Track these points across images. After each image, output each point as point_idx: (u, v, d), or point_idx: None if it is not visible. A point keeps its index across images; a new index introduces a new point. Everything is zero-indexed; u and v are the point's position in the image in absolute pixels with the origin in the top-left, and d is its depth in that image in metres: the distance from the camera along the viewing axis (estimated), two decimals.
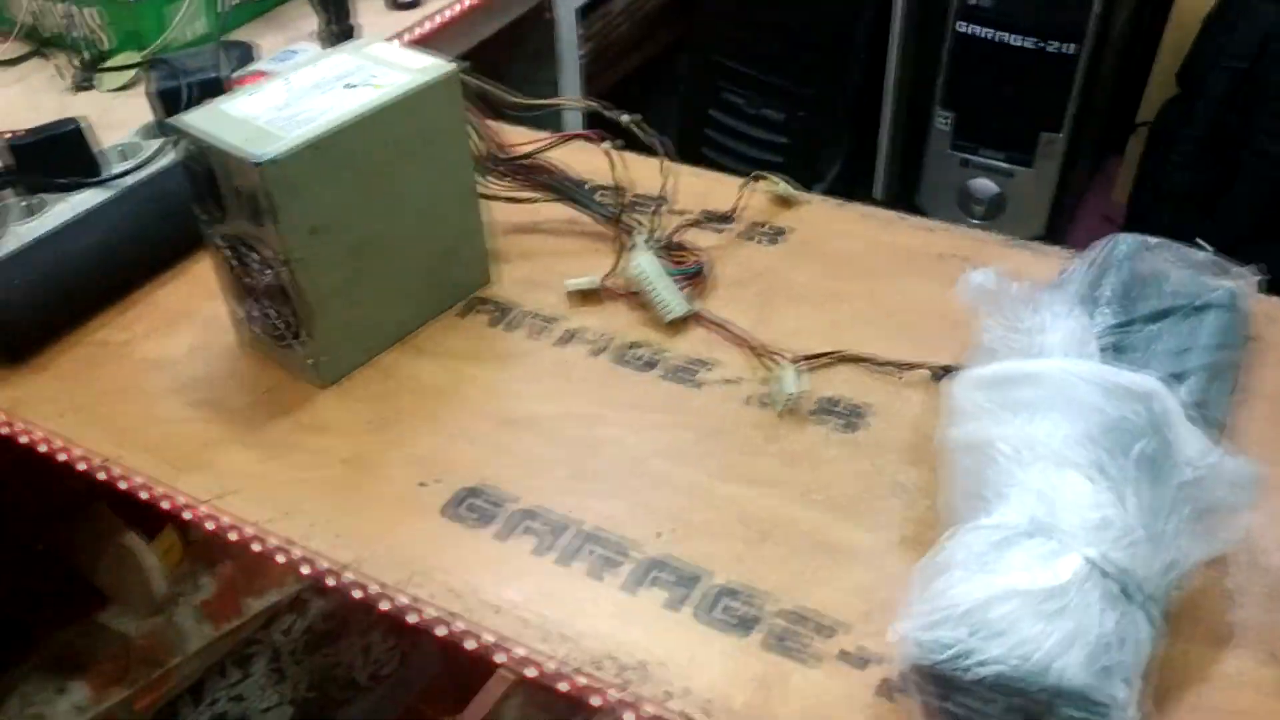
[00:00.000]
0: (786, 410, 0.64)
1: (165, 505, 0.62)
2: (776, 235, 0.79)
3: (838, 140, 1.64)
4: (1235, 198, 1.53)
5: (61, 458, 0.65)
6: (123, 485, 0.63)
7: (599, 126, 0.78)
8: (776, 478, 0.60)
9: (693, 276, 0.74)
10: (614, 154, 0.74)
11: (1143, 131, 1.68)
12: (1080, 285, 0.65)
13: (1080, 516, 0.50)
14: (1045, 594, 0.47)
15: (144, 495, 0.62)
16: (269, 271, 0.63)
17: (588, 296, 0.74)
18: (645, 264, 0.71)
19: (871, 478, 0.60)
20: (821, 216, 0.81)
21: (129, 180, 0.80)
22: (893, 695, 0.49)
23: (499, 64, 1.40)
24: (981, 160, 1.53)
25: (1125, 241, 0.68)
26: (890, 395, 0.65)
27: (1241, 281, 0.68)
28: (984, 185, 1.54)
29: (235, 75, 0.90)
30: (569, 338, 0.71)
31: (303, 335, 0.65)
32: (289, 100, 0.64)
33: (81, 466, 0.64)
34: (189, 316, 0.74)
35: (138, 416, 0.67)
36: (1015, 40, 1.39)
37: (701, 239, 0.79)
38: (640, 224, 0.75)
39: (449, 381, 0.68)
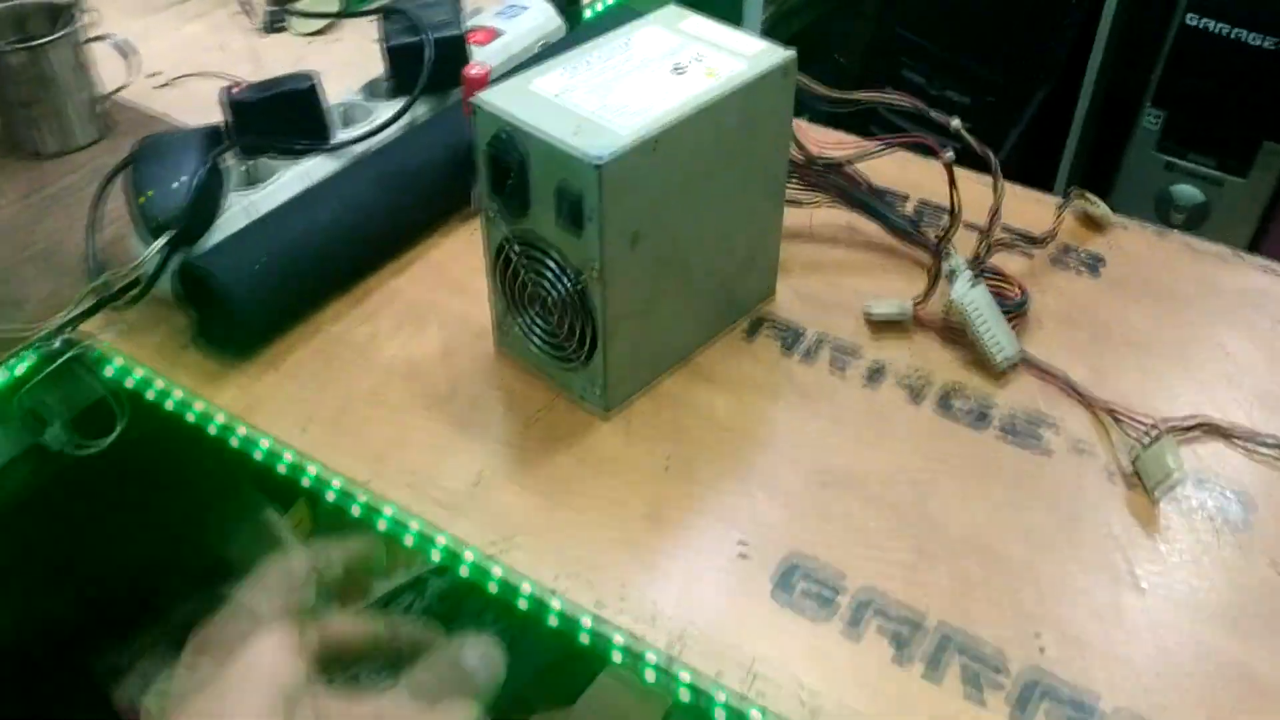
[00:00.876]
0: (1167, 492, 0.54)
1: (436, 549, 0.53)
2: (1095, 263, 0.69)
3: (1022, 132, 1.51)
4: None
5: (306, 482, 0.57)
6: (382, 523, 0.55)
7: (912, 127, 0.67)
8: (1169, 586, 0.51)
9: (1018, 311, 0.64)
10: (954, 169, 0.64)
11: None
12: None
13: None
14: None
15: (409, 536, 0.54)
16: (567, 281, 0.54)
17: (890, 325, 0.65)
18: (978, 297, 0.61)
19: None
20: (1139, 244, 0.71)
21: (359, 148, 0.71)
22: None
23: None
24: (1189, 165, 1.41)
25: None
26: (1273, 484, 0.55)
27: None
28: (1188, 192, 1.42)
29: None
30: (877, 375, 0.61)
31: (595, 355, 0.56)
32: (608, 82, 0.54)
33: (335, 489, 0.56)
34: (436, 313, 0.65)
35: (391, 436, 0.58)
36: (1254, 39, 1.26)
37: (1009, 263, 0.68)
38: (952, 249, 0.65)
39: (746, 420, 0.59)
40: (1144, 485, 0.55)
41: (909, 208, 0.73)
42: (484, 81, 0.67)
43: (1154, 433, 0.56)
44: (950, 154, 0.63)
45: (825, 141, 0.67)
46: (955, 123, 0.64)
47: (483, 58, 0.78)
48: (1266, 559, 0.52)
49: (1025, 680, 0.47)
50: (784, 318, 0.65)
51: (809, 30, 1.72)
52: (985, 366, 0.61)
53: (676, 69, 0.56)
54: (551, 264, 0.55)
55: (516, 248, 0.56)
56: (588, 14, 0.99)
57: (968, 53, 1.46)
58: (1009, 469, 0.56)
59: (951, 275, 0.63)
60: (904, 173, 0.75)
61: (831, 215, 0.71)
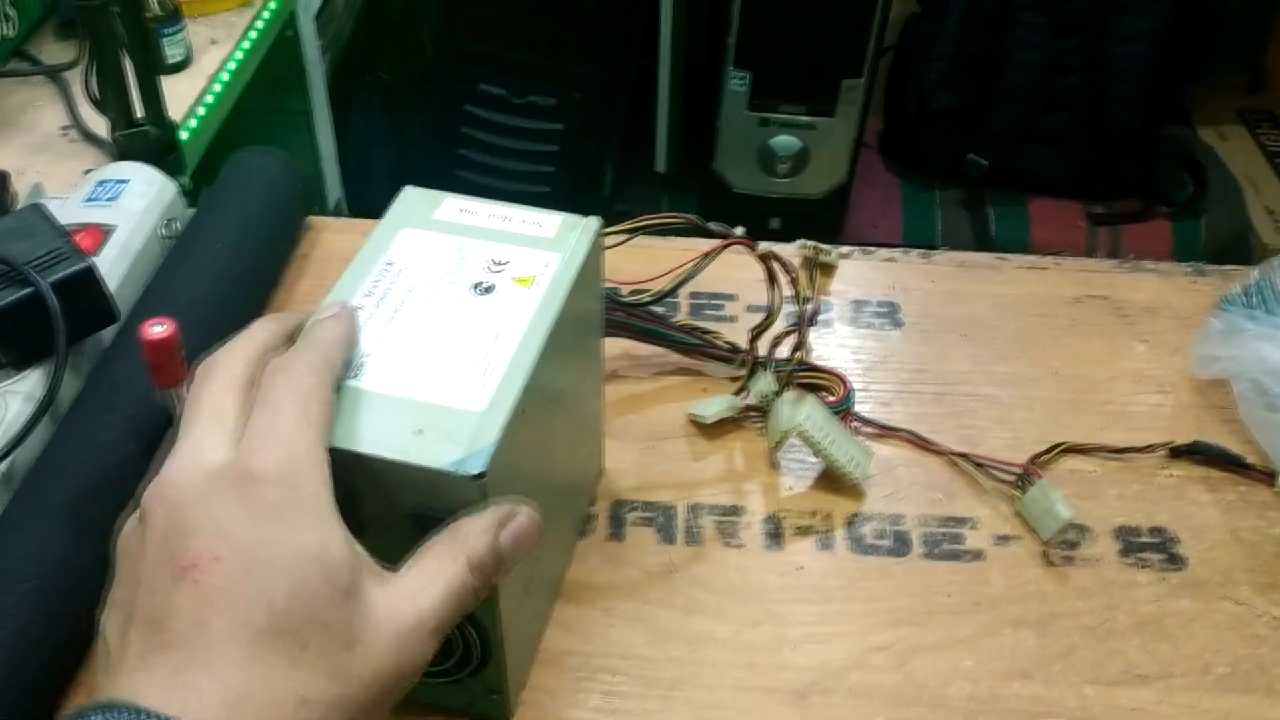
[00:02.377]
0: (1059, 541, 0.52)
1: None
2: (892, 313, 0.66)
3: (618, 118, 1.48)
4: (997, 108, 1.58)
5: None
6: None
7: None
8: (1163, 663, 0.49)
9: (847, 411, 0.58)
10: (776, 259, 0.56)
11: (887, 56, 1.68)
12: None
13: None
14: None
15: None
16: None
17: (719, 429, 0.58)
18: (813, 413, 0.55)
19: (1249, 625, 0.50)
20: (916, 276, 0.68)
21: (1, 467, 0.50)
22: None
23: (247, 108, 1.10)
24: (782, 116, 1.45)
25: None
26: (1167, 505, 0.55)
27: None
28: (786, 141, 1.47)
29: None
30: (775, 532, 0.54)
31: (488, 665, 0.44)
32: (405, 338, 0.41)
33: None
34: None
35: None
36: None
37: (814, 338, 0.63)
38: (748, 354, 0.58)
39: (680, 651, 0.49)
40: (1038, 534, 0.53)
41: (682, 306, 0.66)
42: (174, 345, 0.49)
43: (1028, 478, 0.54)
44: (763, 245, 0.55)
45: (631, 282, 0.57)
46: (738, 230, 0.57)
47: (104, 270, 0.59)
48: (1217, 591, 0.52)
49: None
50: (642, 498, 0.55)
51: (350, 52, 1.57)
52: (842, 482, 0.56)
53: (479, 287, 0.43)
54: None
55: None
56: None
57: (544, 52, 1.39)
58: (958, 594, 0.51)
59: (764, 400, 0.57)
60: (654, 263, 0.67)
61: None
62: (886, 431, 0.58)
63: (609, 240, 0.52)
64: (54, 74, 0.77)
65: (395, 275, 0.44)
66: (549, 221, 0.47)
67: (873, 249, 0.70)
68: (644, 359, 0.62)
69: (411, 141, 1.54)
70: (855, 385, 0.60)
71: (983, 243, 1.63)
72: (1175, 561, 0.53)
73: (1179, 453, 0.57)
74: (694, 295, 0.66)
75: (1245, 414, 0.57)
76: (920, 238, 1.62)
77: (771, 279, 0.55)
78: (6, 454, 0.50)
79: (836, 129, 1.46)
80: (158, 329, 0.50)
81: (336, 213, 1.36)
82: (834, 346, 0.64)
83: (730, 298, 0.66)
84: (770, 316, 0.57)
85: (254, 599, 0.30)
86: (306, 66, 1.19)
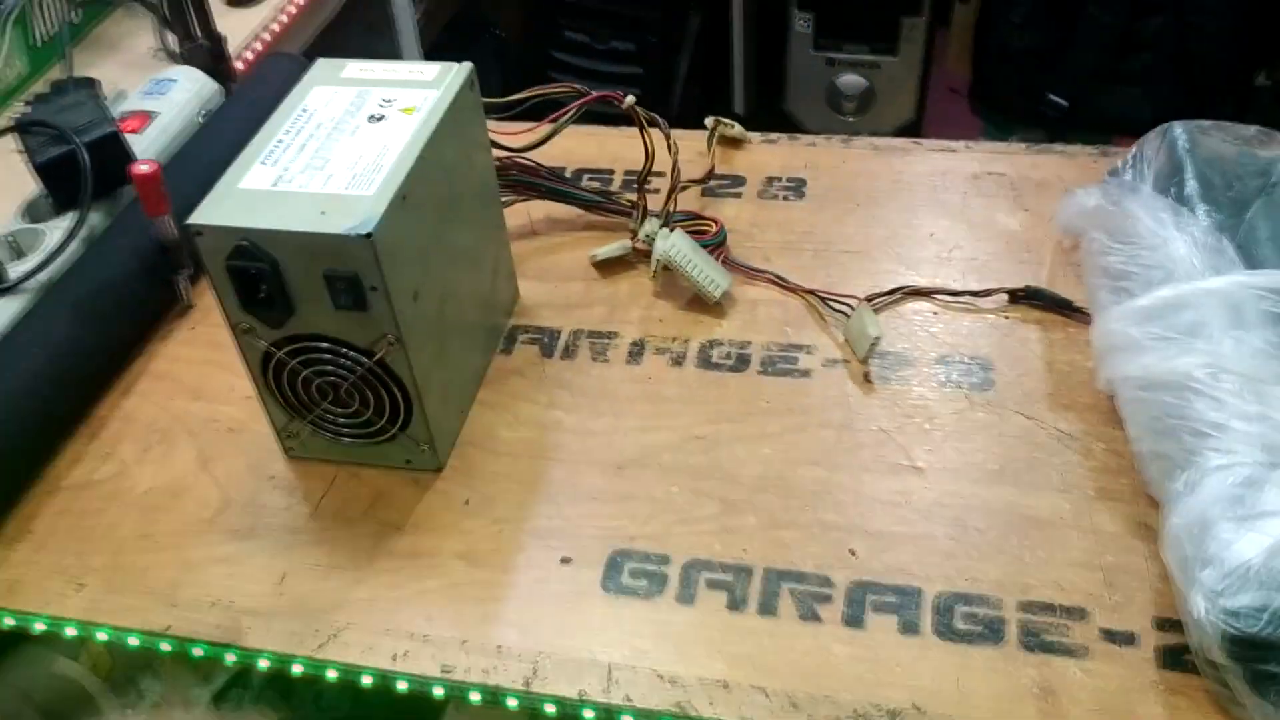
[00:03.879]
0: (869, 356, 0.59)
1: (260, 666, 0.51)
2: (799, 187, 0.73)
3: (692, 60, 1.57)
4: (1077, 49, 1.57)
5: (102, 637, 0.53)
6: (197, 651, 0.52)
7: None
8: (942, 459, 0.55)
9: (719, 245, 0.67)
10: (640, 113, 0.66)
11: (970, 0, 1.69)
12: (1155, 183, 0.63)
13: None
14: None
15: (230, 657, 0.51)
16: (362, 362, 0.52)
17: (616, 271, 0.67)
18: (677, 241, 0.64)
19: (1034, 435, 0.56)
20: (831, 158, 0.75)
21: (41, 278, 0.66)
22: (1188, 667, 0.46)
23: (337, 46, 1.26)
24: (846, 56, 1.50)
25: (1180, 129, 0.65)
26: (996, 339, 0.61)
27: None
28: (852, 81, 1.52)
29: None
30: (638, 352, 0.63)
31: (413, 419, 0.55)
32: (315, 155, 0.53)
33: (134, 645, 0.53)
34: (180, 425, 0.62)
35: (176, 570, 0.55)
36: None
37: (724, 208, 0.72)
38: (638, 205, 0.68)
39: (534, 434, 0.59)
40: (855, 355, 0.60)
41: (616, 181, 0.75)
42: (156, 180, 0.63)
43: (856, 306, 0.61)
44: (630, 98, 0.65)
45: (511, 133, 0.67)
46: (628, 100, 0.66)
47: (143, 145, 0.74)
48: (1012, 407, 0.58)
49: (849, 589, 0.50)
50: (535, 322, 0.66)
51: (463, 13, 1.71)
52: (706, 305, 0.64)
53: (373, 118, 0.55)
54: (338, 352, 0.53)
55: (287, 352, 0.53)
56: (239, 65, 0.95)
57: (618, 1, 1.50)
58: (778, 400, 0.59)
59: (649, 238, 0.66)
60: (602, 149, 0.77)
61: (528, 212, 0.72)
62: (755, 273, 0.66)
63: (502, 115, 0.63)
64: (149, 4, 0.94)
65: (307, 119, 0.56)
66: (429, 70, 0.58)
67: (799, 135, 0.78)
68: (562, 220, 0.72)
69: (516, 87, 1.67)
70: (748, 245, 0.69)
71: None
72: (985, 385, 0.59)
73: (1016, 298, 0.63)
74: (585, 170, 0.76)
75: (1085, 263, 0.62)
76: None
77: (641, 128, 0.65)
78: (41, 268, 0.65)
79: (901, 68, 1.50)
80: (143, 168, 0.64)
81: None
82: (739, 211, 0.72)
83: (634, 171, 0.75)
84: (647, 162, 0.66)
85: None
86: (394, 11, 1.34)
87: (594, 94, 0.66)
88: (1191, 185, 0.62)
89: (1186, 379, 0.50)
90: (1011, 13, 1.60)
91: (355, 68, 0.59)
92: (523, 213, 0.72)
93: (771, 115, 1.60)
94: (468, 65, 0.58)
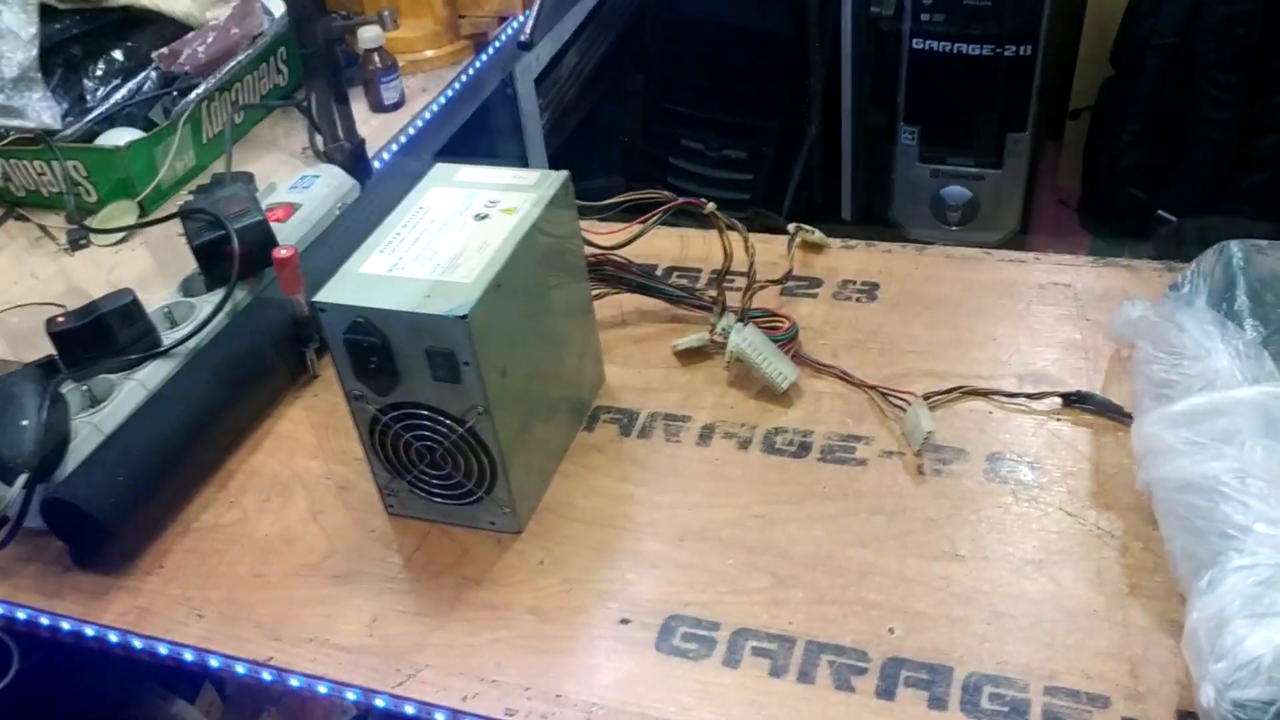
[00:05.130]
0: (924, 450, 0.63)
1: (350, 696, 0.57)
2: (871, 289, 0.78)
3: (804, 168, 1.64)
4: (1188, 166, 1.59)
5: (214, 665, 0.60)
6: (294, 683, 0.58)
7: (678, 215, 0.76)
8: (984, 548, 0.59)
9: (790, 340, 0.72)
10: (721, 217, 0.73)
11: (1082, 116, 1.73)
12: (1209, 298, 0.66)
13: None
14: None
15: (321, 690, 0.58)
16: (455, 427, 0.59)
17: (700, 367, 0.73)
18: (750, 335, 0.69)
19: (1075, 531, 0.59)
20: (905, 264, 0.80)
21: (190, 345, 0.75)
22: None
23: (468, 149, 1.37)
24: (951, 168, 1.55)
25: (1236, 248, 0.68)
26: (1046, 440, 0.65)
27: None
28: (957, 192, 1.57)
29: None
30: (708, 435, 0.68)
31: (497, 483, 0.62)
32: (427, 247, 0.61)
33: (239, 672, 0.60)
34: (297, 480, 0.70)
35: (282, 607, 0.62)
36: (972, 50, 1.42)
37: (799, 307, 0.77)
38: (717, 301, 0.74)
39: (606, 504, 0.65)
40: (909, 447, 0.64)
41: (701, 279, 0.82)
42: (293, 263, 0.72)
43: (912, 402, 0.65)
44: (711, 204, 0.72)
45: (607, 232, 0.74)
46: (710, 206, 0.73)
47: (286, 233, 0.84)
48: (1056, 504, 0.61)
49: (884, 664, 0.54)
50: (615, 404, 0.72)
51: (589, 121, 1.83)
52: (779, 398, 0.69)
53: (479, 217, 0.63)
54: (435, 420, 0.60)
55: (391, 418, 0.61)
56: (376, 165, 1.06)
57: (735, 110, 1.59)
58: (834, 486, 0.64)
59: (729, 326, 0.72)
60: (690, 248, 0.84)
61: (618, 305, 0.79)
62: (822, 367, 0.71)
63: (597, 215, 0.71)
64: (301, 107, 1.06)
65: (423, 215, 0.64)
66: (531, 176, 0.66)
67: (876, 242, 0.83)
68: (649, 312, 0.78)
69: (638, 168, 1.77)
70: (819, 341, 0.74)
71: None
72: (1032, 483, 0.62)
73: (1069, 401, 0.66)
74: (674, 268, 0.82)
75: (1133, 371, 0.65)
76: None
77: (720, 231, 0.71)
78: (190, 336, 0.75)
79: (1005, 180, 1.54)
80: (283, 252, 0.73)
81: None
82: (813, 310, 0.77)
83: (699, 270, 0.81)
84: (726, 261, 0.73)
85: None
86: (523, 120, 1.45)
87: (679, 199, 0.73)
88: (1241, 301, 0.64)
89: (1216, 483, 0.53)
90: (1123, 129, 1.63)
91: (468, 172, 0.67)
92: (615, 304, 0.79)
93: (879, 223, 1.66)
94: (564, 173, 0.65)
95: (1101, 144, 1.69)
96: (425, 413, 0.60)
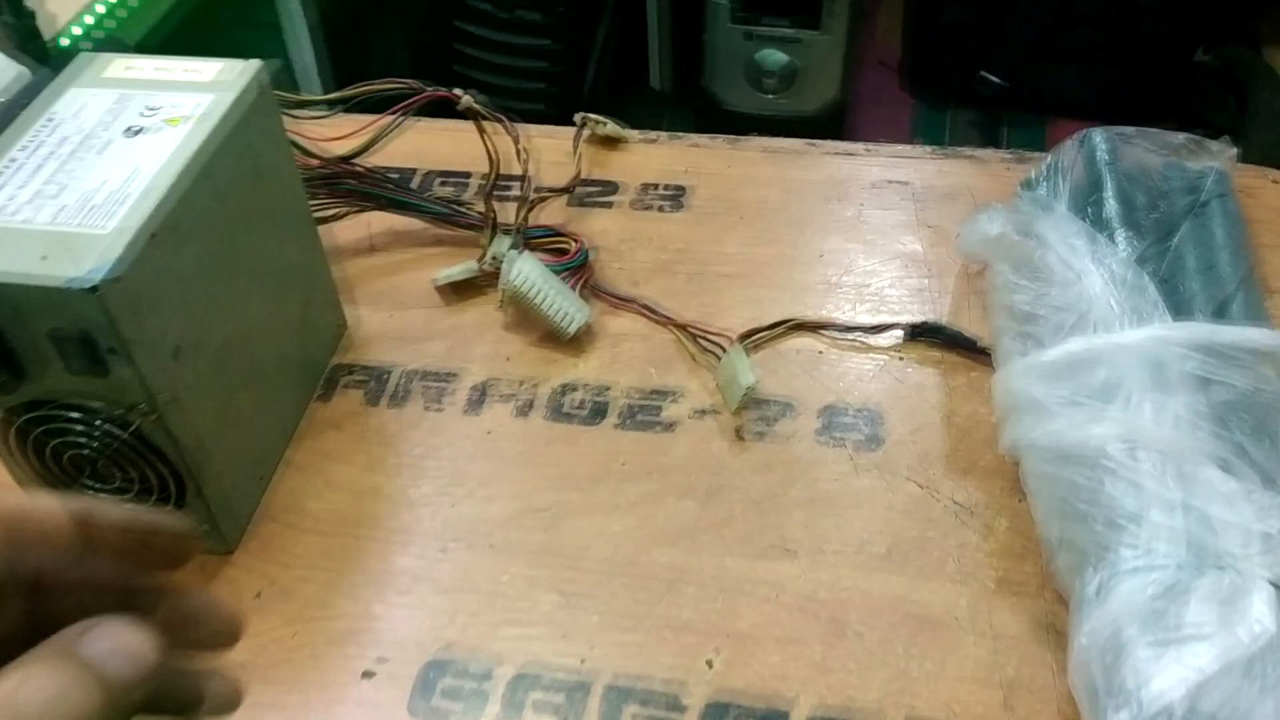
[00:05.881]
0: (743, 408, 0.51)
1: None
2: (678, 196, 0.64)
3: (608, 32, 1.47)
4: (1011, 24, 1.50)
5: None
6: None
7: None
8: (819, 537, 0.47)
9: (580, 268, 0.58)
10: (481, 109, 0.57)
11: None
12: (1071, 200, 0.55)
13: (1243, 529, 0.40)
14: (1257, 654, 0.37)
15: None
16: (115, 430, 0.43)
17: (464, 297, 0.58)
18: (527, 267, 0.55)
19: (927, 508, 0.48)
20: (717, 162, 0.66)
21: None
22: None
23: (199, 43, 1.14)
24: (767, 30, 1.41)
25: (1100, 137, 0.57)
26: (889, 386, 0.53)
27: (1223, 157, 0.59)
28: (773, 56, 1.43)
29: None
30: (479, 399, 0.54)
31: (188, 496, 0.46)
32: (50, 179, 0.42)
33: None
34: None
35: None
36: None
37: (592, 221, 0.63)
38: (487, 219, 0.59)
39: (347, 505, 0.50)
40: (726, 405, 0.52)
41: (472, 187, 0.66)
42: None
43: (729, 349, 0.53)
44: (467, 98, 0.56)
45: (329, 136, 0.57)
46: (465, 98, 0.57)
47: None
48: (903, 472, 0.50)
49: (705, 710, 0.42)
50: (363, 360, 0.56)
51: None
52: (562, 342, 0.55)
53: (130, 131, 0.45)
54: (86, 420, 0.43)
55: (28, 420, 0.43)
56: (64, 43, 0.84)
57: None
58: (636, 461, 0.51)
59: (496, 260, 0.57)
60: (460, 147, 0.67)
61: (363, 227, 0.63)
62: (621, 302, 0.58)
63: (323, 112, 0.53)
64: None
65: (51, 130, 0.46)
66: (208, 69, 0.48)
67: (682, 135, 0.69)
68: (405, 234, 0.62)
69: (421, 62, 1.56)
70: (616, 266, 0.60)
71: None
72: (873, 442, 0.51)
73: (914, 334, 0.55)
74: (437, 173, 0.66)
75: (989, 298, 0.54)
76: None
77: (481, 131, 0.56)
78: None
79: (825, 44, 1.41)
80: None
81: None
82: (609, 225, 0.63)
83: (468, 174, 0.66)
84: (492, 170, 0.57)
85: None
86: None
87: (428, 92, 0.56)
88: (1111, 205, 0.54)
89: (1099, 454, 0.43)
90: None
91: (120, 65, 0.49)
92: (360, 226, 0.62)
93: (693, 92, 1.51)
94: (256, 63, 0.48)
95: (923, 3, 1.58)
96: (72, 411, 0.43)
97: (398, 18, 1.56)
